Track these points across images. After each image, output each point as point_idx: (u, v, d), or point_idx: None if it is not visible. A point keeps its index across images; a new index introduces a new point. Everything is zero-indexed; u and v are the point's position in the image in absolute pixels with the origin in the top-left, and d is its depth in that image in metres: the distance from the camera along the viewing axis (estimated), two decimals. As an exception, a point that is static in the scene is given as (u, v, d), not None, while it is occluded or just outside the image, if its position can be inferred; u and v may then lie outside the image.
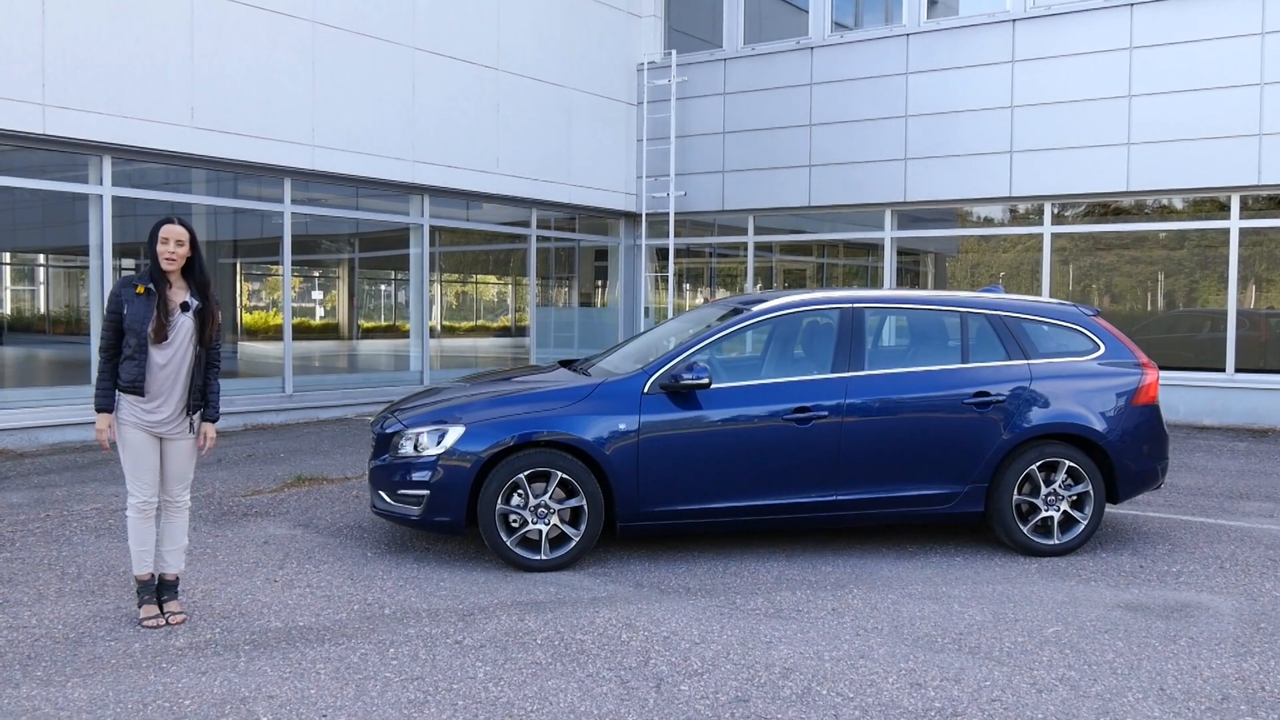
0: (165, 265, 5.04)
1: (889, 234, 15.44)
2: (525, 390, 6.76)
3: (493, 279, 17.74)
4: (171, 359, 5.07)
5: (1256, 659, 4.84)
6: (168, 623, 5.16)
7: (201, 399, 5.22)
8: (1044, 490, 6.68)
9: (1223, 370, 13.13)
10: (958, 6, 15.18)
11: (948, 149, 14.58)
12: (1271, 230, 13.00)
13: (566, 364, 7.73)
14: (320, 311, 15.34)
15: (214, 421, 5.30)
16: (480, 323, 17.18)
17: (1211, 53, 12.82)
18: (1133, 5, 13.26)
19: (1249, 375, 12.99)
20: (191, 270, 5.14)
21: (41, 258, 13.08)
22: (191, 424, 5.22)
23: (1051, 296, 13.19)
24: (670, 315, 16.94)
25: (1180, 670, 4.70)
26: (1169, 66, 13.08)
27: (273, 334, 13.41)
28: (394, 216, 14.29)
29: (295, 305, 13.39)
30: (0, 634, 5.01)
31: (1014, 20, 14.04)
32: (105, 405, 5.08)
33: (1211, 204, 13.37)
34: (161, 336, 5.02)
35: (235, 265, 14.34)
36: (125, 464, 5.13)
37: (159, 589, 5.29)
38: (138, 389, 5.02)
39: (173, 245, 5.04)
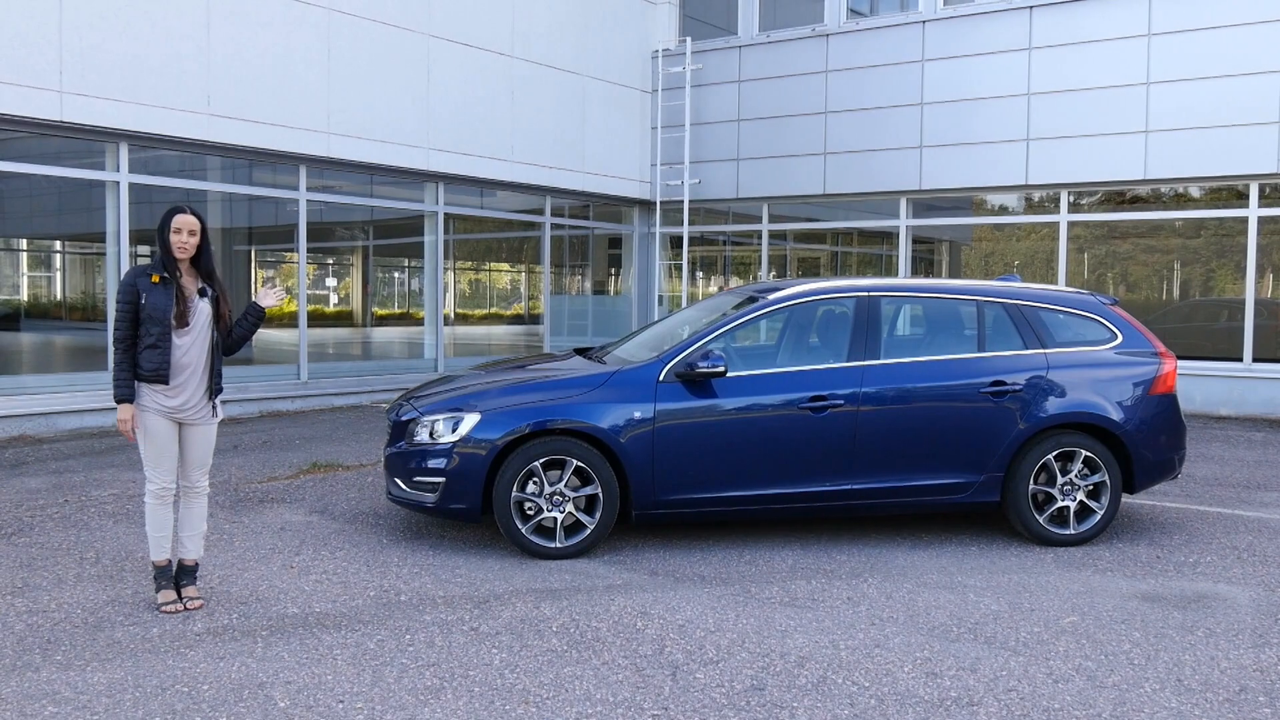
0: (178, 254, 5.06)
1: (904, 222, 15.37)
2: (540, 378, 6.76)
3: (507, 267, 17.74)
4: (193, 345, 5.11)
5: (1274, 650, 4.82)
6: (185, 608, 5.19)
7: (221, 383, 5.26)
8: (1060, 480, 6.66)
9: (1240, 360, 13.05)
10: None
11: (964, 137, 14.50)
12: (1291, 219, 12.90)
13: (581, 352, 7.73)
14: (335, 299, 15.38)
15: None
16: (494, 310, 17.19)
17: (1231, 39, 12.70)
18: (1152, -8, 13.16)
19: (1267, 365, 12.91)
20: (199, 257, 5.16)
21: (58, 244, 13.13)
22: (214, 409, 5.25)
23: (1067, 285, 13.12)
24: (685, 303, 16.91)
25: (1197, 661, 4.68)
26: (1188, 53, 12.97)
27: (287, 321, 13.44)
28: (409, 204, 14.30)
29: (310, 292, 13.42)
30: (20, 618, 5.05)
31: (1031, 7, 13.92)
32: (126, 395, 5.09)
33: (1230, 192, 13.26)
34: (184, 322, 5.04)
35: (250, 252, 14.38)
36: (144, 451, 5.15)
37: (177, 574, 5.32)
38: (162, 377, 5.04)
39: (185, 235, 5.06)
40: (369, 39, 12.95)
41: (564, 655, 4.67)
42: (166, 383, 5.06)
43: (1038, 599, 5.56)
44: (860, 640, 4.90)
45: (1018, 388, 6.63)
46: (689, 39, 16.57)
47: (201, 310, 5.13)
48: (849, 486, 6.51)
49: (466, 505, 6.25)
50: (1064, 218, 14.14)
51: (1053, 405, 6.65)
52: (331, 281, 15.45)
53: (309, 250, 13.20)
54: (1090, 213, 14.19)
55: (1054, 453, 6.63)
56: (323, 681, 4.34)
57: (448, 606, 5.33)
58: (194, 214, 5.12)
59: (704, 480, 6.38)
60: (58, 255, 13.18)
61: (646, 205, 17.39)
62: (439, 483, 6.27)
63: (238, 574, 5.84)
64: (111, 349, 5.18)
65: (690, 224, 16.89)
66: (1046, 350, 6.79)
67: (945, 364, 6.70)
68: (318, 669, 4.47)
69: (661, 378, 6.39)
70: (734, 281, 17.65)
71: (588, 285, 18.04)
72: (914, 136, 14.86)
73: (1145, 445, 6.76)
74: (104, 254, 11.25)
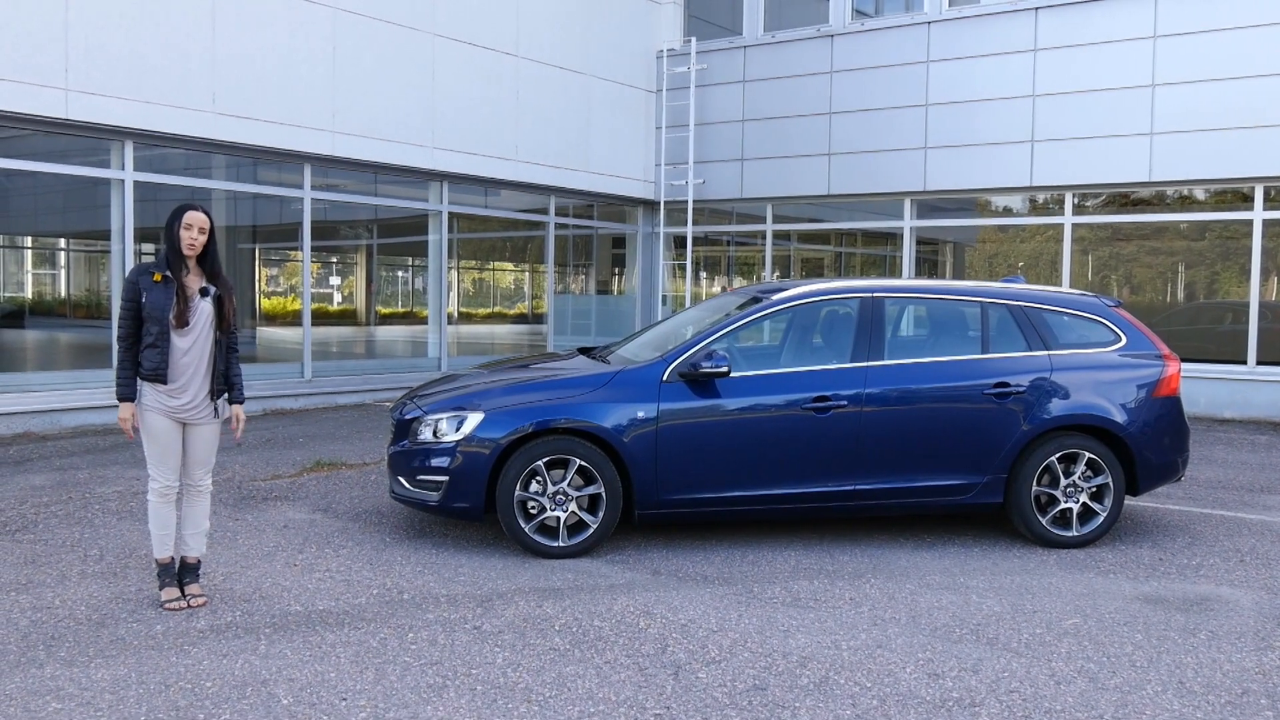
0: (186, 251, 5.08)
1: (908, 223, 15.36)
2: (544, 377, 6.76)
3: (511, 266, 17.76)
4: (193, 345, 5.11)
5: (1277, 653, 4.82)
6: (189, 605, 5.20)
7: (225, 383, 5.26)
8: (1063, 482, 6.66)
9: (1244, 363, 13.03)
10: (980, -6, 15.08)
11: (968, 138, 14.49)
12: (1296, 222, 12.88)
13: (585, 351, 7.74)
14: (339, 297, 15.40)
15: (240, 404, 5.36)
16: (498, 310, 17.20)
17: (1237, 42, 12.68)
18: (1157, -7, 13.15)
19: (1271, 368, 12.89)
20: (205, 257, 5.18)
21: (63, 242, 13.16)
22: (216, 409, 5.26)
23: (1072, 287, 13.11)
24: (688, 303, 16.92)
25: (1200, 663, 4.68)
26: (1193, 55, 12.95)
27: (292, 319, 13.47)
28: (413, 203, 14.31)
29: (314, 291, 13.44)
30: (25, 615, 5.06)
31: (1036, 9, 13.91)
32: (127, 394, 5.12)
33: (1234, 195, 13.24)
34: (183, 322, 5.05)
35: (255, 250, 14.40)
36: (148, 449, 5.16)
37: (180, 572, 5.33)
38: (160, 376, 5.05)
39: (195, 231, 5.08)
40: (374, 38, 12.96)
41: (566, 654, 4.68)
42: (165, 382, 5.07)
43: (1040, 600, 5.56)
44: (862, 641, 4.91)
45: (1021, 389, 6.63)
46: (693, 39, 16.57)
47: (202, 310, 5.13)
48: (852, 487, 6.52)
49: (469, 504, 6.26)
50: (1068, 219, 14.13)
51: (1056, 407, 6.64)
52: (335, 280, 15.47)
53: (313, 249, 13.22)
54: (1095, 214, 14.18)
55: (1057, 454, 6.63)
56: (325, 679, 4.35)
57: (450, 605, 5.33)
58: (204, 211, 5.14)
59: (707, 480, 6.39)
60: (62, 253, 13.21)
61: (650, 205, 17.40)
62: (442, 481, 6.27)
63: (241, 572, 5.85)
64: (115, 346, 5.19)
65: (694, 224, 16.89)
66: (1050, 352, 6.79)
67: (949, 365, 6.70)
68: (321, 666, 4.48)
69: (665, 378, 6.39)
70: (738, 282, 17.66)
71: (591, 285, 18.05)
72: (918, 137, 14.86)
73: (1148, 447, 6.76)
74: (109, 252, 11.27)
